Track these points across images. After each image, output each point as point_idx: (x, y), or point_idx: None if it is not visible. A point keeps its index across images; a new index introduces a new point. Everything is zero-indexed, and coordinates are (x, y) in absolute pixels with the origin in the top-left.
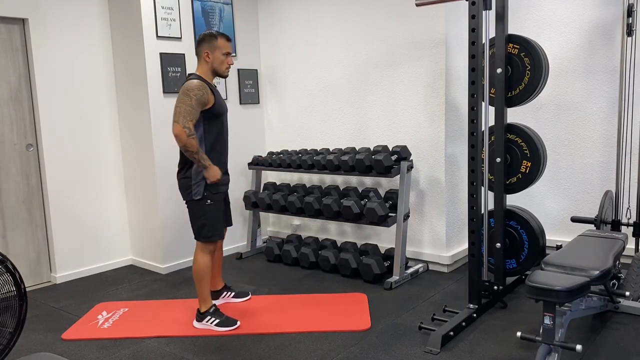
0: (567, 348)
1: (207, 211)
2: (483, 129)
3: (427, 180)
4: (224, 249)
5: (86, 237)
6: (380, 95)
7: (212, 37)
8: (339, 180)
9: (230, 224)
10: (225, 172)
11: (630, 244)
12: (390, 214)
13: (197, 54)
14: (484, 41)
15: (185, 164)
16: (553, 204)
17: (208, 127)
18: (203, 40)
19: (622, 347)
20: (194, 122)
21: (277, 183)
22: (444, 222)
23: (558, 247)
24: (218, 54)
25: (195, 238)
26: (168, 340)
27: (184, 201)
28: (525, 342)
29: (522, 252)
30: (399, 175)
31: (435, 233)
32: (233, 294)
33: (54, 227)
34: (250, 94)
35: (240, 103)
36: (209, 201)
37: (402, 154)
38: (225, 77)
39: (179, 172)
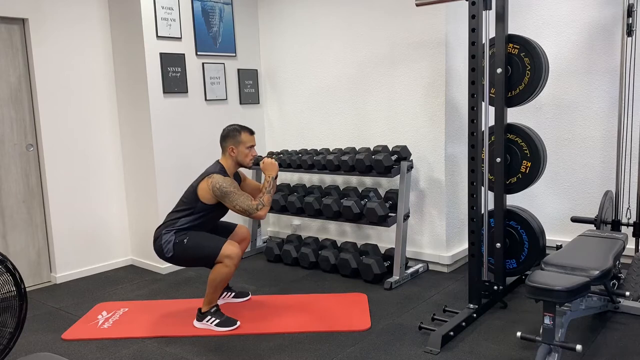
0: (567, 348)
1: (192, 245)
2: (483, 129)
3: (427, 180)
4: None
5: (86, 237)
6: (380, 95)
7: (236, 132)
8: (339, 180)
9: (235, 225)
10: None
11: (630, 244)
12: (390, 214)
13: (222, 147)
14: (484, 41)
15: (162, 228)
16: (553, 204)
17: (215, 212)
18: (227, 136)
19: (622, 347)
20: (250, 198)
21: (278, 183)
22: (444, 222)
23: (558, 247)
24: (242, 148)
25: (212, 267)
26: (168, 340)
27: (173, 257)
28: (525, 342)
29: (522, 252)
30: (399, 175)
31: (435, 233)
32: (233, 294)
33: (54, 227)
34: (250, 94)
35: (240, 103)
36: (185, 241)
37: (402, 154)
38: (248, 167)
39: (154, 240)
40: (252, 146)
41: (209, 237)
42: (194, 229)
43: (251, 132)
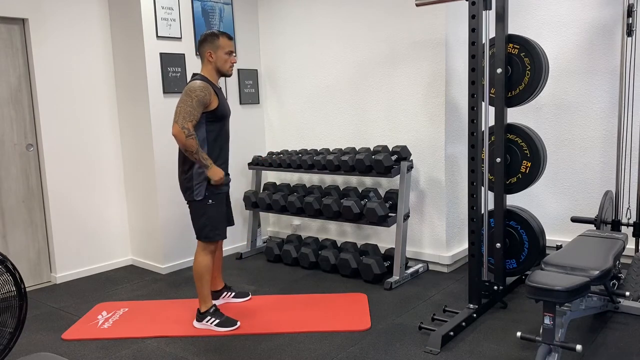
0: (567, 348)
1: (208, 211)
2: (483, 129)
3: (427, 180)
4: (224, 249)
5: (86, 237)
6: (380, 95)
7: (214, 36)
8: (339, 180)
9: (232, 224)
10: (226, 174)
11: (630, 244)
12: (390, 214)
13: (200, 54)
14: (484, 41)
15: (186, 164)
16: (553, 204)
17: (210, 128)
18: (205, 40)
19: (622, 347)
20: (194, 123)
21: (277, 183)
22: (444, 222)
23: (558, 247)
24: (221, 53)
25: (197, 238)
26: (168, 340)
27: (186, 201)
28: (525, 342)
29: (522, 252)
30: (399, 175)
31: (435, 233)
32: (233, 294)
33: (54, 227)
34: (250, 94)
35: (240, 103)
36: (210, 201)
37: (402, 154)
38: (229, 76)
39: (180, 173)
40: (232, 52)
41: (222, 222)
42: (214, 149)
43: (229, 37)
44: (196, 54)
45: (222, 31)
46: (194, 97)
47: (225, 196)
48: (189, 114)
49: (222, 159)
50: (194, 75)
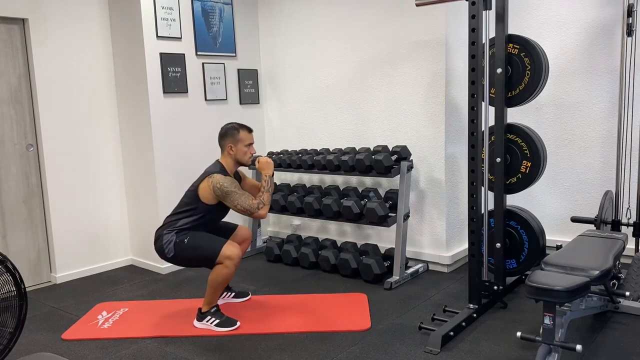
0: (567, 348)
1: (192, 245)
2: (483, 129)
3: (427, 180)
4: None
5: (86, 237)
6: (380, 95)
7: (234, 130)
8: (339, 180)
9: (236, 225)
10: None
11: (630, 244)
12: (390, 214)
13: (220, 146)
14: (484, 41)
15: (163, 229)
16: (553, 204)
17: (217, 212)
18: (226, 135)
19: (622, 347)
20: (251, 198)
21: (277, 183)
22: (444, 222)
23: (558, 247)
24: (241, 146)
25: (213, 266)
26: (168, 340)
27: (174, 258)
28: (525, 342)
29: (522, 252)
30: (399, 175)
31: (435, 233)
32: (233, 294)
33: (54, 227)
34: (250, 94)
35: (240, 103)
36: (185, 240)
37: (402, 154)
38: (247, 166)
39: (155, 241)
40: (251, 144)
41: (210, 237)
42: (194, 229)
43: (249, 130)
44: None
45: (242, 124)
46: (235, 190)
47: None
48: (246, 198)
49: (206, 225)
50: (217, 163)
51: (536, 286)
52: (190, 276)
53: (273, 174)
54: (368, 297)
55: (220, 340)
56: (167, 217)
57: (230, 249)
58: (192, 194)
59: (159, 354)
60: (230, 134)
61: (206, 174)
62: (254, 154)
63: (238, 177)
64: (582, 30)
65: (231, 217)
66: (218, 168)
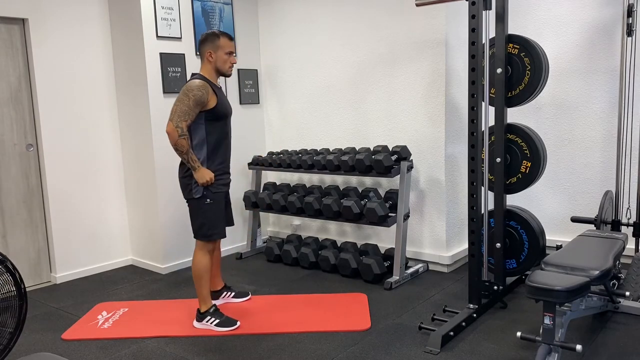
0: (567, 348)
1: (206, 210)
2: (483, 129)
3: (427, 180)
4: (223, 249)
5: (86, 237)
6: (380, 95)
7: (215, 36)
8: (339, 180)
9: (232, 224)
10: (226, 172)
11: (630, 244)
12: (390, 214)
13: (199, 54)
14: (484, 41)
15: (189, 173)
16: (553, 204)
17: (210, 128)
18: (205, 40)
19: (622, 347)
20: (188, 123)
21: (277, 183)
22: (444, 222)
23: (558, 247)
24: (221, 53)
25: (195, 237)
26: (168, 340)
27: (185, 199)
28: (525, 342)
29: (522, 252)
30: (399, 175)
31: (435, 233)
32: (233, 294)
33: (54, 227)
34: (250, 94)
35: (240, 103)
36: (208, 200)
37: (402, 154)
38: (228, 76)
39: (180, 171)
40: (232, 52)
41: (221, 221)
42: (213, 158)
43: (230, 38)
44: (196, 54)
45: (222, 31)
46: (191, 97)
47: (224, 195)
48: (184, 113)
49: (221, 158)
50: (193, 75)
51: (536, 286)
52: (190, 276)
53: (196, 181)
54: (368, 297)
55: (220, 340)
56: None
57: (203, 254)
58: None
59: (159, 354)
60: (210, 39)
61: (185, 83)
62: (234, 64)
63: (218, 90)
64: (582, 30)
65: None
66: (197, 76)
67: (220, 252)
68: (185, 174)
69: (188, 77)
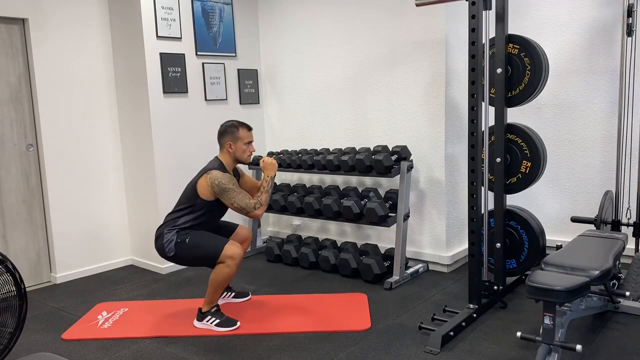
0: (567, 348)
1: (194, 244)
2: (483, 129)
3: (427, 180)
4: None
5: (86, 237)
6: (380, 95)
7: (234, 127)
8: (339, 180)
9: (237, 225)
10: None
11: (630, 244)
12: (390, 214)
13: (219, 143)
14: (484, 41)
15: (163, 227)
16: (553, 204)
17: (216, 209)
18: (225, 132)
19: (622, 347)
20: (248, 195)
21: (277, 183)
22: (444, 222)
23: (558, 247)
24: (240, 145)
25: (214, 265)
26: (168, 340)
27: (170, 260)
28: (525, 342)
29: (522, 252)
30: (399, 175)
31: (435, 233)
32: (233, 294)
33: (54, 227)
34: (250, 94)
35: (240, 103)
36: (186, 240)
37: (402, 154)
38: (247, 164)
39: (156, 240)
40: (250, 142)
41: (211, 236)
42: (195, 228)
43: (249, 128)
44: (196, 54)
45: (241, 122)
46: (232, 187)
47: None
48: (243, 196)
49: (206, 224)
50: (215, 160)
51: (536, 286)
52: (190, 276)
53: (275, 175)
54: (368, 297)
55: (220, 340)
56: (168, 214)
57: (232, 249)
58: (190, 191)
59: (159, 354)
60: (229, 131)
61: (204, 170)
62: (253, 152)
63: (237, 174)
64: (582, 30)
65: (231, 217)
66: (217, 164)
67: (249, 245)
68: (156, 241)
69: (188, 78)
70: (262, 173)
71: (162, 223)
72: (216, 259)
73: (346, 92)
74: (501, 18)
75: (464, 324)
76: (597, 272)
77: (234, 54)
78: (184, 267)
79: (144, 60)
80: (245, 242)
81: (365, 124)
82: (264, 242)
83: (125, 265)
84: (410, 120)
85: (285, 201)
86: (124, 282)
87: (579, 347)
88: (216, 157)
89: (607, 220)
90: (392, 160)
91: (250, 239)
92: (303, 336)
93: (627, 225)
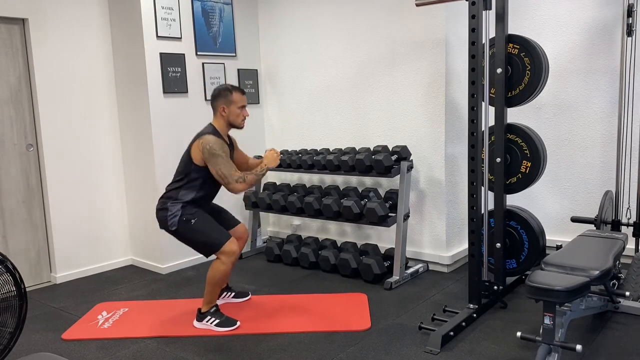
0: (567, 348)
1: (198, 227)
2: (483, 129)
3: (427, 180)
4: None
5: (86, 237)
6: (380, 95)
7: (227, 91)
8: (339, 180)
9: (238, 222)
10: (207, 204)
11: (630, 244)
12: (390, 214)
13: (212, 107)
14: (484, 41)
15: (166, 200)
16: (553, 204)
17: (209, 179)
18: (218, 95)
19: (621, 347)
20: (235, 168)
21: (277, 183)
22: (444, 222)
23: (558, 247)
24: (234, 108)
25: (208, 255)
26: (168, 340)
27: (170, 233)
28: (525, 342)
29: (522, 252)
30: (399, 175)
31: (435, 233)
32: (233, 294)
33: (54, 227)
34: (250, 94)
35: None
36: (192, 221)
37: (402, 154)
38: (240, 128)
39: (158, 211)
40: (244, 106)
41: (215, 226)
42: (197, 203)
43: (242, 92)
44: (196, 54)
45: (235, 86)
46: (221, 154)
47: (207, 209)
48: (229, 166)
49: (205, 203)
50: (206, 128)
51: (536, 286)
52: (190, 276)
53: (271, 168)
54: (368, 297)
55: (220, 340)
56: (168, 185)
57: (231, 246)
58: (185, 158)
59: (159, 354)
60: (223, 95)
61: (198, 135)
62: (246, 117)
63: (231, 143)
64: (582, 30)
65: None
66: (210, 129)
67: (245, 242)
68: (159, 212)
69: (188, 78)
70: (262, 159)
71: (163, 193)
72: (214, 251)
73: (346, 92)
74: (501, 18)
75: (464, 324)
76: (597, 272)
77: (234, 54)
78: (183, 266)
79: (144, 60)
80: (241, 240)
81: (365, 124)
82: (264, 242)
83: (125, 265)
84: (410, 120)
85: (285, 201)
86: (124, 282)
87: (579, 347)
88: (210, 123)
89: (607, 220)
90: (392, 160)
91: (246, 238)
92: (303, 336)
93: (627, 225)
